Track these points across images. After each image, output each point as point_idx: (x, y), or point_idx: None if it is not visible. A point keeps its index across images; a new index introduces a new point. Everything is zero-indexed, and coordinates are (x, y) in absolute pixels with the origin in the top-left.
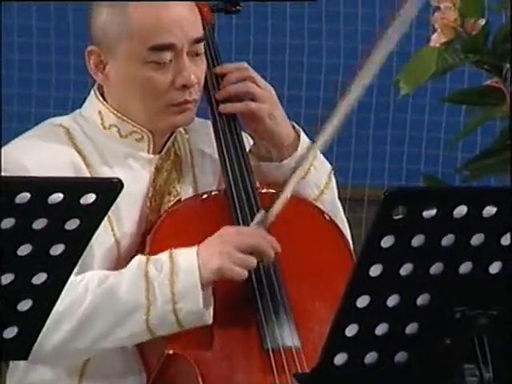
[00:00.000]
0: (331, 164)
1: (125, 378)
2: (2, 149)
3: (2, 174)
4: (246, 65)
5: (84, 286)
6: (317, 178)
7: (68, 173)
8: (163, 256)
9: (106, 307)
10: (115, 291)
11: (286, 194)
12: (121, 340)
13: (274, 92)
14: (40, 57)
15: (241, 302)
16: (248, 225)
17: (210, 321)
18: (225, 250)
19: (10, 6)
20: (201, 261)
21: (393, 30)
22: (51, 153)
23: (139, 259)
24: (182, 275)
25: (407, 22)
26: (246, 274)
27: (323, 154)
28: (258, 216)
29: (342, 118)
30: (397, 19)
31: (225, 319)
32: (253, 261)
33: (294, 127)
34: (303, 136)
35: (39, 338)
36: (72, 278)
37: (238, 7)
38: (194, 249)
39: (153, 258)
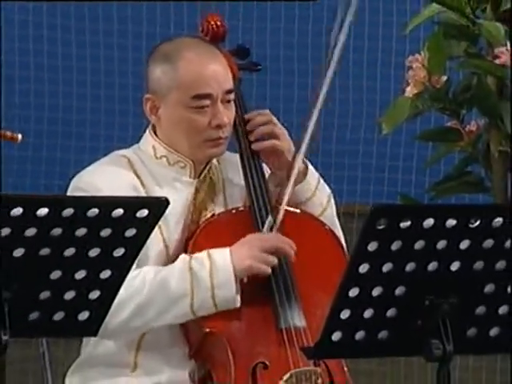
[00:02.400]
0: (330, 187)
1: (172, 349)
2: (80, 174)
3: (80, 193)
4: (267, 111)
5: (142, 278)
6: (320, 199)
7: (129, 192)
8: (203, 254)
9: (160, 295)
10: (166, 282)
11: (281, 213)
12: (170, 320)
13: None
14: (106, 104)
15: (260, 291)
16: (269, 218)
17: (239, 305)
18: (253, 253)
19: (83, 49)
20: (234, 259)
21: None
22: (117, 176)
23: (184, 257)
24: (220, 269)
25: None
26: (269, 270)
27: (324, 180)
28: (267, 222)
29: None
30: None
31: (248, 305)
32: (275, 259)
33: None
34: (310, 166)
35: (106, 319)
36: (131, 272)
37: (258, 67)
38: (227, 249)
39: (194, 256)
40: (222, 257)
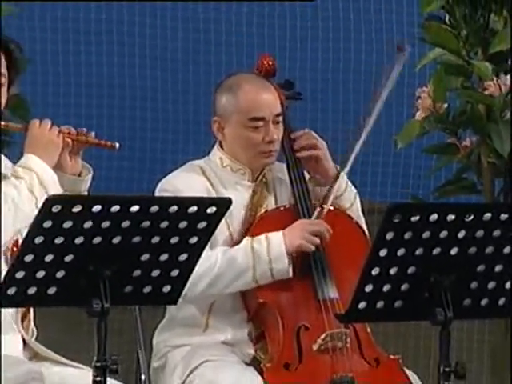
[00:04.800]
0: (356, 188)
1: (235, 313)
2: (164, 179)
3: (164, 194)
4: (307, 130)
5: (215, 257)
6: (349, 196)
7: (203, 193)
8: (261, 237)
9: (229, 269)
10: (233, 259)
11: (325, 212)
12: (238, 288)
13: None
14: (183, 126)
15: (302, 271)
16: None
17: (291, 275)
18: (302, 234)
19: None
20: (286, 239)
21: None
22: (192, 181)
23: (246, 239)
24: (275, 247)
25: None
26: (313, 248)
27: (352, 183)
28: (315, 213)
29: (360, 146)
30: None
31: (293, 281)
32: (318, 240)
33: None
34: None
35: (187, 289)
36: (206, 252)
37: (300, 97)
38: (280, 232)
39: (255, 238)
40: (277, 237)
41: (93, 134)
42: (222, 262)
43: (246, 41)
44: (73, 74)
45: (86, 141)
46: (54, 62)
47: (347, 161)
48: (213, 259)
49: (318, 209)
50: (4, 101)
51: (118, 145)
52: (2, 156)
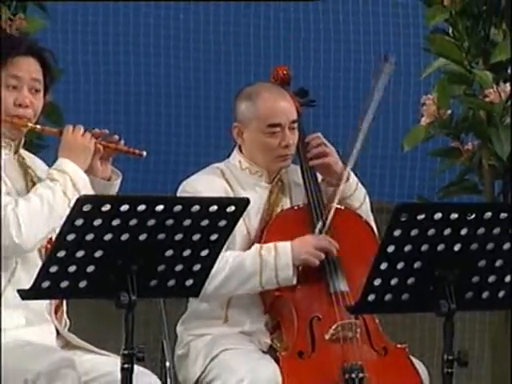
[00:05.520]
0: (366, 189)
1: (252, 307)
2: (186, 180)
3: (186, 194)
4: (319, 134)
5: (226, 259)
6: (359, 196)
7: (221, 193)
8: (270, 245)
9: (238, 272)
10: (243, 263)
11: (332, 210)
12: (246, 291)
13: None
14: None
15: (315, 267)
16: (320, 221)
17: (295, 283)
18: (307, 249)
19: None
20: (294, 254)
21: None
22: (213, 182)
23: (256, 246)
24: (282, 256)
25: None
26: (318, 263)
27: (362, 184)
28: (318, 225)
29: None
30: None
31: (307, 276)
32: (323, 255)
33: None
34: (351, 173)
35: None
36: (222, 252)
37: (314, 104)
38: (289, 242)
39: (264, 245)
40: (284, 247)
41: (122, 141)
42: (233, 265)
43: (263, 52)
44: (102, 82)
45: (115, 148)
46: (85, 72)
47: (349, 158)
48: (224, 262)
49: (320, 223)
50: (40, 106)
51: (144, 153)
52: (38, 159)
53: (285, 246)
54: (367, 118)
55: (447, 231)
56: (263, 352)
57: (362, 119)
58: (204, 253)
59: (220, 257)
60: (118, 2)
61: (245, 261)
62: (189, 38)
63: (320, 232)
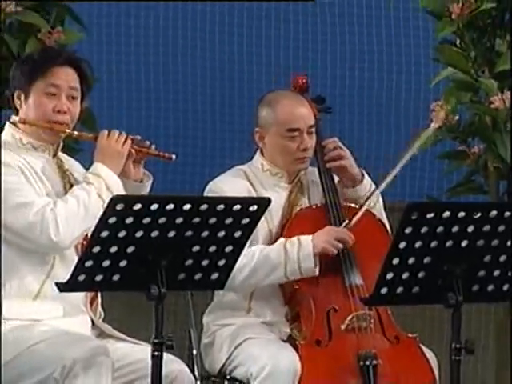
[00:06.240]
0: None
1: (273, 298)
2: (212, 181)
3: (212, 194)
4: (336, 139)
5: (252, 254)
6: (372, 197)
7: (245, 193)
8: (294, 238)
9: (264, 264)
10: (268, 256)
11: (361, 213)
12: (272, 281)
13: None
14: (230, 135)
15: (332, 262)
16: (335, 221)
17: (317, 273)
18: (327, 239)
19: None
20: (314, 242)
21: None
22: (236, 183)
23: (281, 240)
24: (304, 248)
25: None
26: (336, 252)
27: (376, 185)
28: (343, 224)
29: (398, 172)
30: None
31: (324, 270)
32: (340, 245)
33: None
34: (365, 175)
35: (230, 278)
36: (246, 248)
37: (330, 110)
38: (310, 236)
39: (289, 239)
40: (306, 240)
41: (153, 146)
42: (259, 258)
43: (283, 62)
44: (134, 90)
45: (147, 152)
46: (118, 80)
47: (384, 182)
48: (251, 255)
49: (347, 221)
50: (77, 112)
51: (174, 156)
52: (75, 161)
53: (306, 239)
54: (408, 153)
55: (455, 228)
56: (283, 341)
57: (406, 152)
58: (228, 249)
59: (246, 251)
60: (148, 20)
61: (270, 254)
62: (214, 49)
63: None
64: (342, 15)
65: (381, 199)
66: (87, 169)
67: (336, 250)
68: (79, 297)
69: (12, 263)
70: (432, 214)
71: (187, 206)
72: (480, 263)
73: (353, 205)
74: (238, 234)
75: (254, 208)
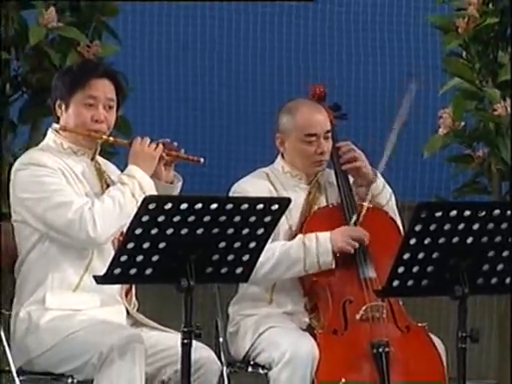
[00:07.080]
0: (392, 188)
1: (293, 290)
2: (236, 183)
3: (237, 194)
4: (349, 142)
5: (273, 249)
6: (385, 195)
7: (267, 194)
8: (312, 235)
9: (285, 259)
10: (288, 251)
11: (364, 208)
12: (292, 275)
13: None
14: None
15: (348, 256)
16: (350, 218)
17: (334, 267)
18: (344, 238)
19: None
20: (332, 239)
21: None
22: (259, 184)
23: (300, 236)
24: (322, 244)
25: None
26: (352, 250)
27: (389, 184)
28: (353, 219)
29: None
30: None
31: (340, 264)
32: (357, 244)
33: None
34: (378, 174)
35: (253, 272)
36: (268, 244)
37: (346, 117)
38: (328, 233)
39: (307, 235)
40: (324, 236)
41: (183, 150)
42: (280, 253)
43: (303, 72)
44: (165, 99)
45: (177, 156)
46: (151, 90)
47: (379, 165)
48: (272, 251)
49: (355, 216)
50: (113, 121)
51: (202, 160)
52: (111, 164)
53: (325, 236)
54: (394, 132)
55: (461, 226)
56: (303, 330)
57: (391, 131)
58: (252, 245)
59: (268, 247)
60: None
61: (290, 249)
62: (239, 60)
63: (354, 224)
64: (365, 29)
65: (393, 198)
66: (122, 171)
67: (353, 248)
68: (115, 288)
69: (54, 258)
70: (440, 213)
71: (214, 206)
72: (484, 258)
73: (367, 203)
74: (260, 231)
75: (275, 207)
